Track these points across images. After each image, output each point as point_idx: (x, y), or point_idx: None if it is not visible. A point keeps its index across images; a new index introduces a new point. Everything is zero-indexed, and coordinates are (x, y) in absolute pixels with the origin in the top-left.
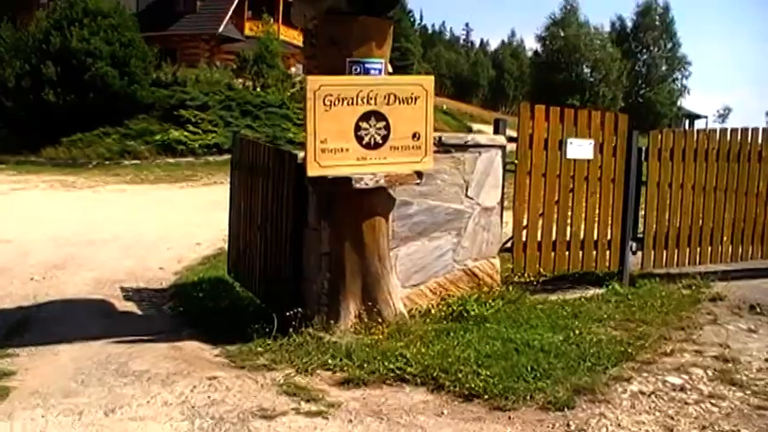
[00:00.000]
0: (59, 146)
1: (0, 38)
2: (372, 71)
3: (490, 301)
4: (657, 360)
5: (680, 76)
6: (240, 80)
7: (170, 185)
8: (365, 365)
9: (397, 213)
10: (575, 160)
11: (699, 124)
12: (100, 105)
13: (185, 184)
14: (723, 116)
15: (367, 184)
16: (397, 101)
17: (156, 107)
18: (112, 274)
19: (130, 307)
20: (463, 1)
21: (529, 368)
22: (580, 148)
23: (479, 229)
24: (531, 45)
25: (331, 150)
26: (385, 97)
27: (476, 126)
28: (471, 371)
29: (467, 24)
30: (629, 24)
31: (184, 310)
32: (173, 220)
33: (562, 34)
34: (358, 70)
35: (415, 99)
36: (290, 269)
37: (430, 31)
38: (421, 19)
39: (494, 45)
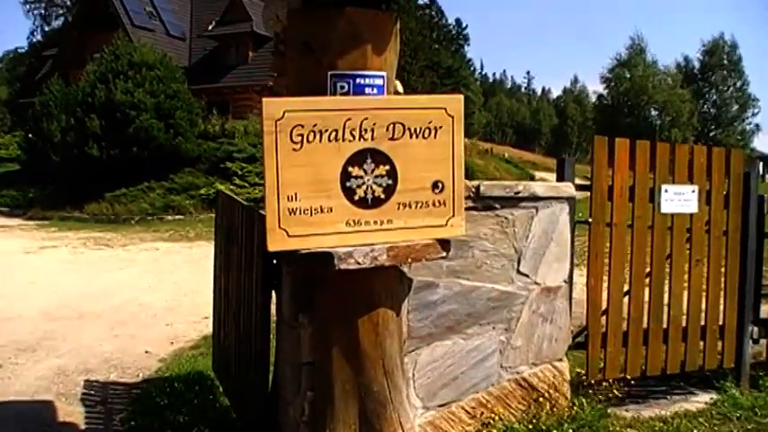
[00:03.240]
0: (103, 201)
1: (50, 92)
2: (368, 89)
3: (553, 429)
4: None
5: (750, 116)
6: None
7: (208, 243)
8: None
9: (415, 301)
10: (672, 215)
11: None
12: (144, 159)
13: None
14: None
15: (360, 263)
16: (408, 133)
17: (202, 160)
18: (84, 361)
19: (75, 415)
20: (524, 49)
21: None
22: (679, 199)
23: (538, 319)
24: (595, 88)
25: (304, 211)
26: (388, 128)
27: (539, 174)
28: None
29: (528, 72)
30: (696, 64)
31: (136, 425)
32: (191, 286)
33: (628, 75)
34: (345, 88)
35: (436, 130)
36: (258, 382)
37: (491, 80)
38: (482, 68)
39: (556, 92)
